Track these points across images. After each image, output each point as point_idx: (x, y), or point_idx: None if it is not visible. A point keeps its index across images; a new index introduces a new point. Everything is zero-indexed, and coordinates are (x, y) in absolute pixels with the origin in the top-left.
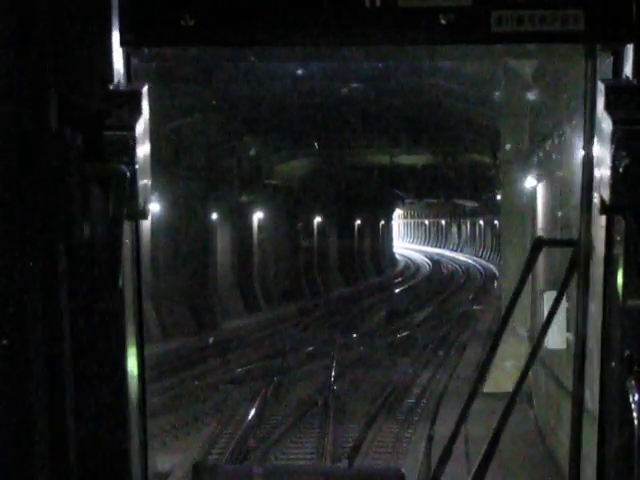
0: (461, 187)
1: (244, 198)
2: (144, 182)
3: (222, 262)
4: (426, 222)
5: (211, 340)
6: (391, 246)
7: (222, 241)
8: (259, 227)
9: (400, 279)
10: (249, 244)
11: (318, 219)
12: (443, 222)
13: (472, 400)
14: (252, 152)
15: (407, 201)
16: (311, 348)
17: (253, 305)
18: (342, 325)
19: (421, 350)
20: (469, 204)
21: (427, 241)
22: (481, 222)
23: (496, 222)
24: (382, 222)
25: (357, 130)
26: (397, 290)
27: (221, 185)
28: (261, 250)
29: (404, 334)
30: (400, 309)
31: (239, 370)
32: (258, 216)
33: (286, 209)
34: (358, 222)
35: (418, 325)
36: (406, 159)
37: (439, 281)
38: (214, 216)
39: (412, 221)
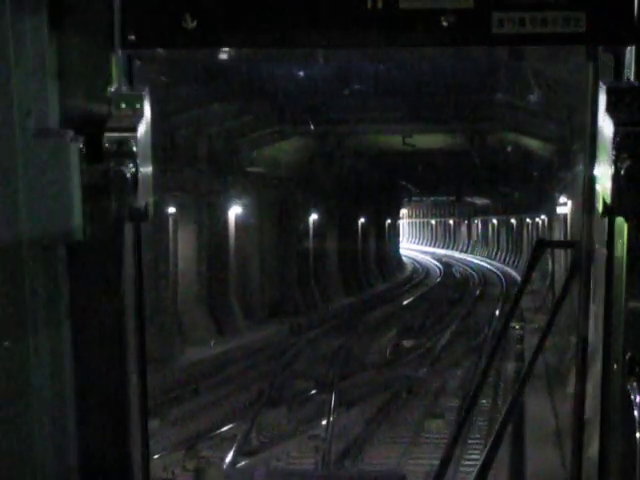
0: (489, 177)
1: (216, 188)
2: (145, 184)
3: (185, 271)
4: (432, 222)
5: (154, 384)
6: (398, 248)
7: (184, 243)
8: (237, 225)
9: (409, 286)
10: (223, 247)
11: (314, 216)
12: (451, 222)
13: (473, 405)
14: (225, 127)
15: (415, 199)
16: (298, 397)
17: (228, 326)
18: (343, 353)
19: (453, 401)
20: (480, 201)
21: (434, 242)
22: (494, 221)
23: (513, 221)
24: (388, 221)
25: (362, 102)
26: (407, 301)
27: (181, 170)
28: (240, 254)
29: (424, 370)
30: (414, 327)
31: (174, 454)
32: (235, 211)
33: (273, 204)
34: (362, 220)
35: (441, 355)
36: (422, 140)
37: (454, 288)
38: (171, 210)
39: (417, 221)
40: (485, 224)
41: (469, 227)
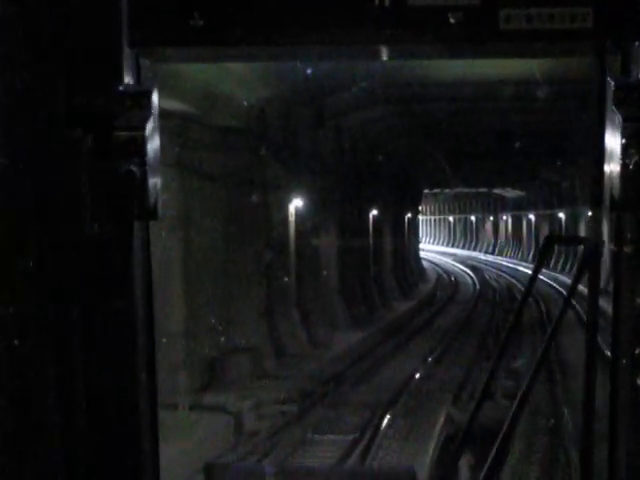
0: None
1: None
2: (154, 182)
3: None
4: (450, 219)
5: None
6: (418, 250)
7: None
8: None
9: (441, 304)
10: None
11: (297, 204)
12: (473, 218)
13: (483, 400)
14: None
15: (436, 190)
16: None
17: None
18: None
19: None
20: (511, 194)
21: (452, 242)
22: (531, 216)
23: (561, 215)
24: (408, 215)
25: None
26: (447, 337)
27: None
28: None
29: None
30: (476, 422)
31: None
32: None
33: (215, 178)
34: (374, 213)
35: None
36: (487, 68)
37: (503, 307)
38: None
39: (432, 218)
40: (517, 220)
41: (496, 224)
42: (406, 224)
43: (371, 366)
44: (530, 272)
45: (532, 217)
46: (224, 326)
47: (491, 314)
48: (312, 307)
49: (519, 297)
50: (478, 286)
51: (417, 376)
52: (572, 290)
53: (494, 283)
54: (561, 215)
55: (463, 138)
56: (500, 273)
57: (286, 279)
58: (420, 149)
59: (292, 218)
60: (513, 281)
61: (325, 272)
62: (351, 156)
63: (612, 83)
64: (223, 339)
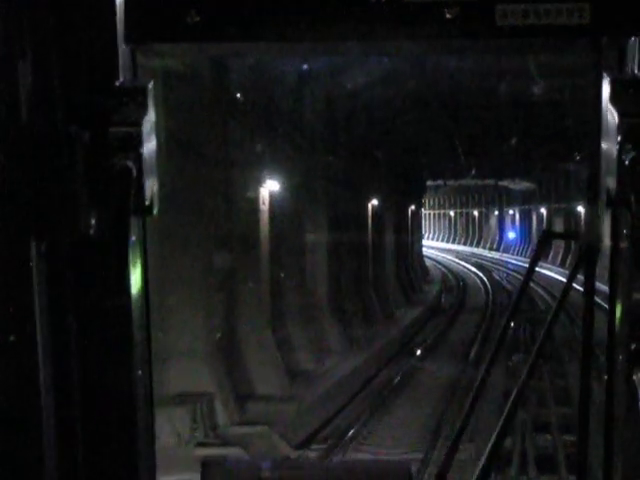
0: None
1: None
2: (150, 178)
3: None
4: (451, 213)
5: None
6: (421, 248)
7: None
8: None
9: (450, 314)
10: None
11: (273, 187)
12: (476, 213)
13: (480, 393)
14: None
15: (438, 182)
16: None
17: None
18: None
19: None
20: (519, 187)
21: (453, 238)
22: (543, 210)
23: (580, 208)
24: (412, 207)
25: None
26: (465, 366)
27: None
28: None
29: None
30: None
31: None
32: None
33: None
34: (373, 203)
35: None
36: None
37: (525, 315)
38: None
39: (431, 212)
40: (526, 215)
41: (501, 219)
42: (410, 218)
43: (371, 414)
44: (548, 272)
45: (544, 211)
46: (158, 364)
47: (515, 327)
48: (293, 327)
49: (542, 305)
50: (490, 289)
51: (436, 428)
52: (567, 287)
53: (507, 284)
54: (580, 209)
55: (468, 117)
56: (510, 272)
57: (255, 291)
58: (423, 124)
59: (265, 207)
60: (538, 290)
61: (311, 279)
62: (346, 130)
63: (608, 79)
64: (154, 382)
